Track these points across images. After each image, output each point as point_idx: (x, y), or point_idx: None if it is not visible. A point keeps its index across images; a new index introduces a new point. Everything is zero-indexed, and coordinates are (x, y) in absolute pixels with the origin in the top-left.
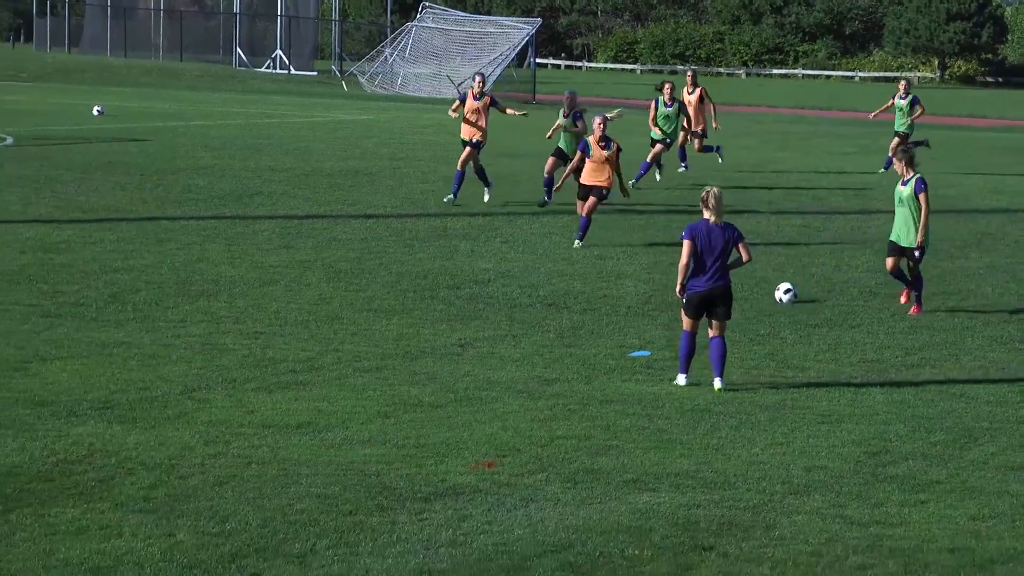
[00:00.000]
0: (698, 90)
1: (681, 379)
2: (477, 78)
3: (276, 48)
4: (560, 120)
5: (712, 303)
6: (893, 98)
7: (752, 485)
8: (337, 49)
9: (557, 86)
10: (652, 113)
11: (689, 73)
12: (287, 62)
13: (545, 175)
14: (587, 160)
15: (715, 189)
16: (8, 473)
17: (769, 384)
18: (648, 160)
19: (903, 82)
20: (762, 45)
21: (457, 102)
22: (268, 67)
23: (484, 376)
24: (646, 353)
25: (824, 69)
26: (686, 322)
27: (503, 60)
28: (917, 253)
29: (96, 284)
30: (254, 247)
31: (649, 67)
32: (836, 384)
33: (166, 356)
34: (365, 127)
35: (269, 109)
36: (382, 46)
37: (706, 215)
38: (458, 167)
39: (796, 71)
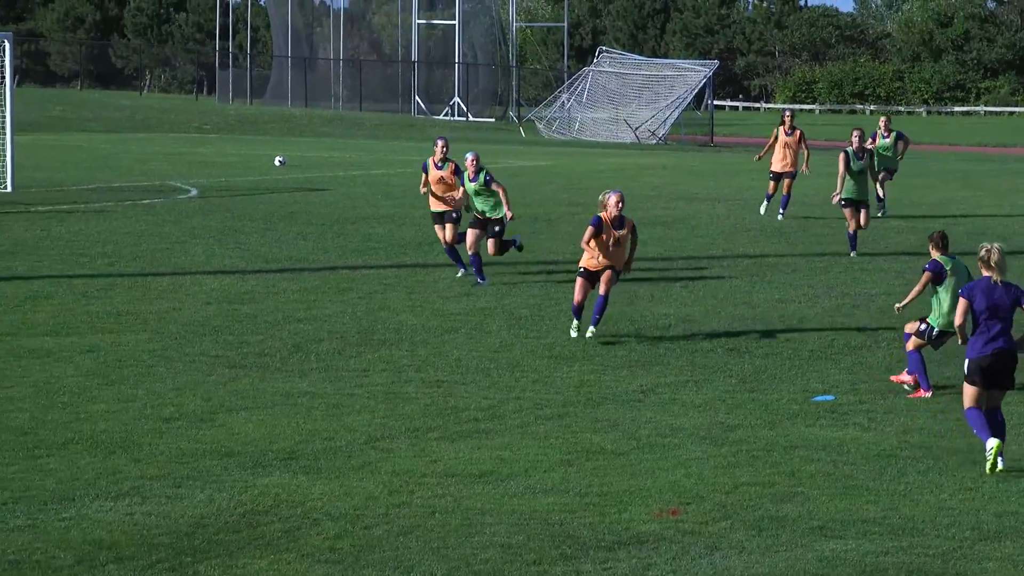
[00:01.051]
0: (796, 132)
1: (991, 443)
2: (439, 143)
3: (454, 95)
4: (468, 185)
5: (996, 372)
6: (874, 138)
7: (941, 532)
8: (515, 95)
9: (736, 128)
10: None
11: (788, 113)
12: (465, 109)
13: (471, 253)
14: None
15: (996, 246)
16: (196, 524)
17: (957, 429)
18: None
19: (883, 119)
20: (943, 82)
21: (424, 176)
22: (446, 114)
23: (666, 422)
24: (830, 398)
25: (1007, 105)
26: (972, 396)
27: (680, 103)
28: None
29: (280, 334)
30: (435, 295)
31: (828, 107)
32: None
33: (349, 406)
34: (543, 173)
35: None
36: (559, 91)
37: (986, 273)
38: (446, 245)
39: (978, 108)
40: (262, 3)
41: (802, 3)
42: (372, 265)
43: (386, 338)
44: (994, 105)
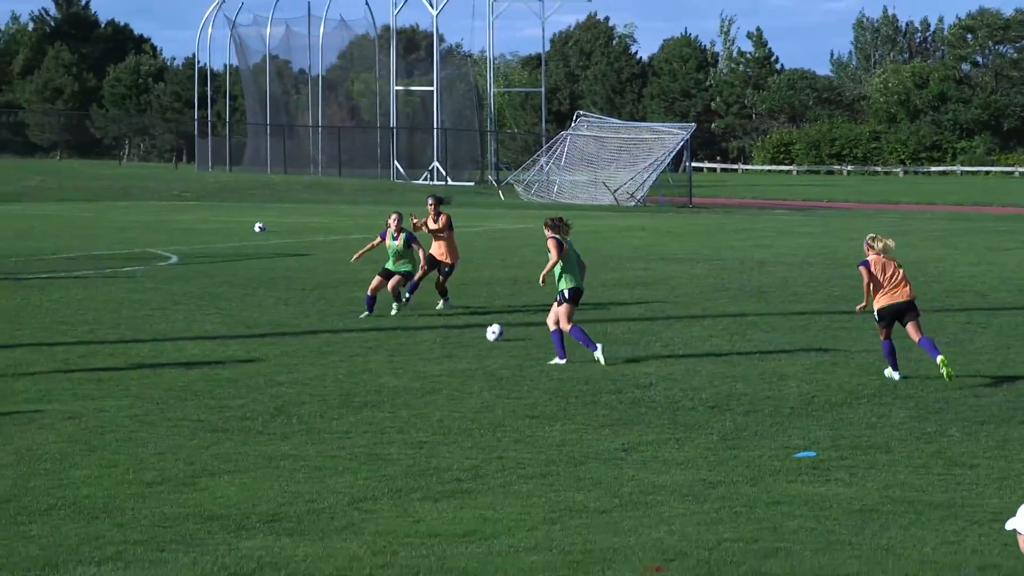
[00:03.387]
0: None
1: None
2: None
3: (433, 160)
4: (391, 243)
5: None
6: None
7: None
8: (493, 159)
9: (713, 190)
10: None
11: None
12: (444, 173)
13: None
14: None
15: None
16: None
17: (938, 483)
18: None
19: None
20: (919, 143)
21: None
22: (425, 179)
23: (649, 480)
24: (811, 454)
25: (983, 165)
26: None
27: (659, 165)
28: None
29: (261, 398)
30: (416, 357)
31: (806, 167)
32: (1007, 480)
33: (332, 467)
34: (523, 235)
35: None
36: (538, 155)
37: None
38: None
39: (955, 168)
40: (241, 72)
41: (779, 66)
42: (353, 328)
43: (368, 400)
44: (970, 165)
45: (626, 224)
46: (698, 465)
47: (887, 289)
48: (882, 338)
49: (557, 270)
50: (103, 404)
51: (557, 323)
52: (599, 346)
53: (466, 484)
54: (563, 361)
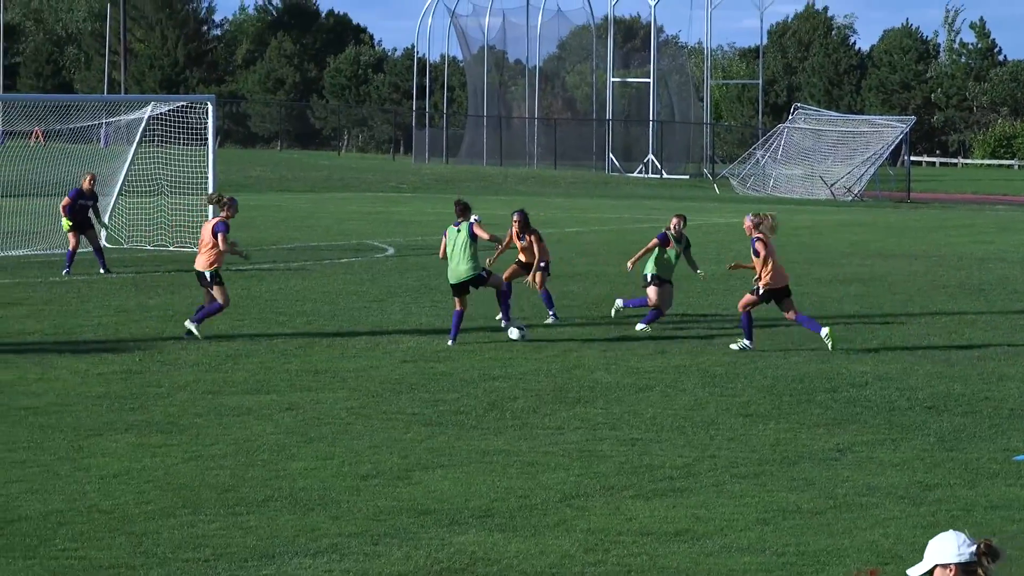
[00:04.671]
0: None
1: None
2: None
3: (648, 153)
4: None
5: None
6: None
7: None
8: (709, 152)
9: (932, 184)
10: None
11: None
12: (659, 166)
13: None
14: None
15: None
16: None
17: None
18: None
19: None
20: None
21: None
22: (640, 171)
23: (863, 481)
24: None
25: None
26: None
27: (877, 159)
28: None
29: (475, 392)
30: (629, 352)
31: None
32: None
33: (544, 463)
34: (738, 230)
35: (642, 214)
36: (754, 148)
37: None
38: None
39: None
40: (460, 63)
41: (1002, 58)
42: (567, 323)
43: (581, 396)
44: None
45: (842, 219)
46: (914, 467)
47: None
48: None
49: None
50: (319, 396)
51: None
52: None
53: (678, 482)
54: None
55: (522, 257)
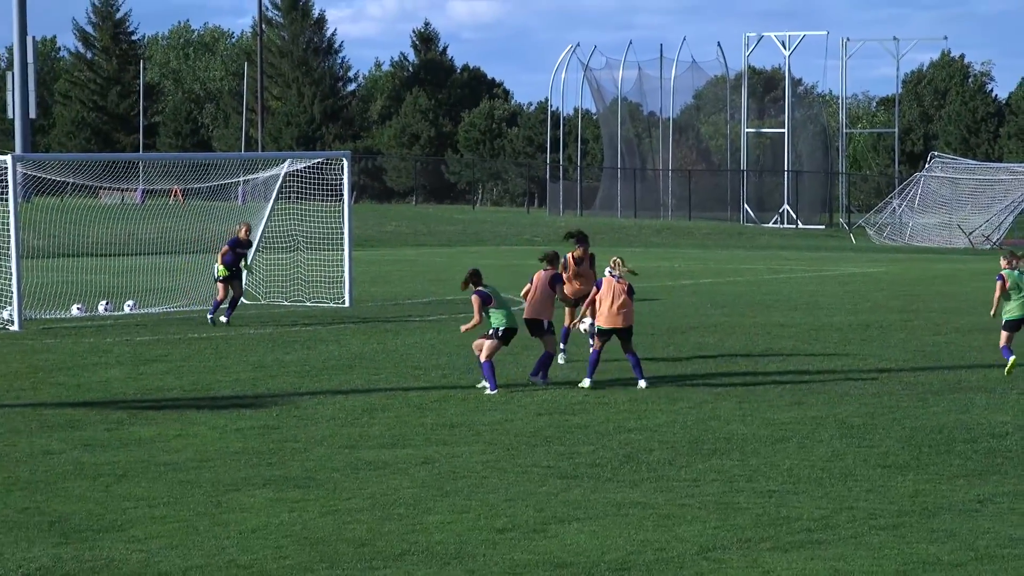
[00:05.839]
0: None
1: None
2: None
3: (783, 203)
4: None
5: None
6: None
7: None
8: (844, 201)
9: None
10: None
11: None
12: (794, 216)
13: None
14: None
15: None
16: None
17: None
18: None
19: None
20: None
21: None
22: (775, 222)
23: (1005, 533)
24: None
25: None
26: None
27: (1016, 207)
28: None
29: (611, 444)
30: (765, 404)
31: None
32: None
33: (681, 516)
34: (874, 279)
35: (777, 264)
36: (890, 197)
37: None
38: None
39: None
40: (594, 116)
41: None
42: (702, 374)
43: (716, 447)
44: None
45: (981, 268)
46: None
47: None
48: None
49: None
50: (455, 450)
51: None
52: None
53: (816, 534)
54: None
55: (577, 285)
